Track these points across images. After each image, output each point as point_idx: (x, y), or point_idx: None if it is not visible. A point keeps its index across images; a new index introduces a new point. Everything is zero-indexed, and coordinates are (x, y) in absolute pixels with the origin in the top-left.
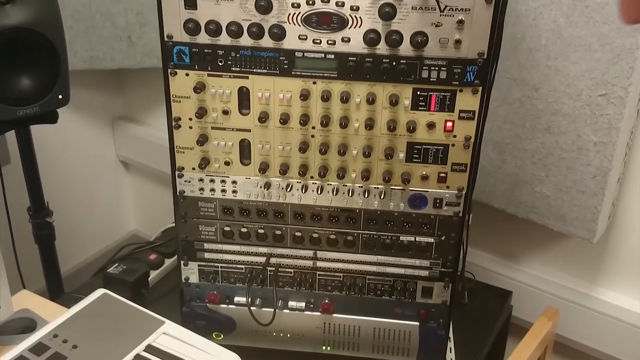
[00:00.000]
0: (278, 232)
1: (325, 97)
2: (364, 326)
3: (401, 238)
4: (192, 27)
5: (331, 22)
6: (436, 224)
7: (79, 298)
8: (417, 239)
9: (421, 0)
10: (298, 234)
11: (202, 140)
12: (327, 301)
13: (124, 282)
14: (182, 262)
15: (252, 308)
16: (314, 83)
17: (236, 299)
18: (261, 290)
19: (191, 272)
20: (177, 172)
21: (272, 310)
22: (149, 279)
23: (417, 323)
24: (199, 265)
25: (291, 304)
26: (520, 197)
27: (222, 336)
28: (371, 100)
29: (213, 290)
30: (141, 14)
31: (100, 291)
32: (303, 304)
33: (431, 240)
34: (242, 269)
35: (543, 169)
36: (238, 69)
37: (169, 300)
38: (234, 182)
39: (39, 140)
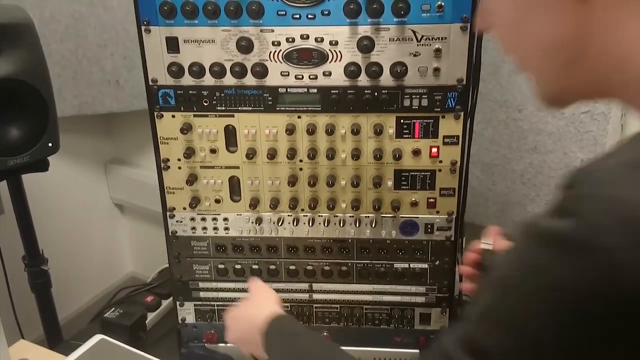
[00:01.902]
0: (272, 266)
1: (311, 130)
2: (364, 357)
3: (395, 265)
4: (175, 70)
5: (312, 57)
6: (429, 250)
7: (77, 345)
8: (411, 265)
9: (398, 31)
10: (292, 267)
11: (192, 179)
12: (325, 333)
13: (121, 326)
14: (177, 303)
15: None
16: (299, 117)
17: None
18: None
19: (187, 313)
20: (168, 213)
21: None
22: (146, 321)
23: (417, 351)
24: (195, 305)
25: None
26: (513, 217)
27: None
28: (356, 130)
29: (210, 330)
30: (128, 57)
31: (98, 337)
32: None
33: (425, 265)
34: None
35: (533, 188)
36: (223, 108)
37: (168, 342)
38: (226, 219)
39: (31, 188)
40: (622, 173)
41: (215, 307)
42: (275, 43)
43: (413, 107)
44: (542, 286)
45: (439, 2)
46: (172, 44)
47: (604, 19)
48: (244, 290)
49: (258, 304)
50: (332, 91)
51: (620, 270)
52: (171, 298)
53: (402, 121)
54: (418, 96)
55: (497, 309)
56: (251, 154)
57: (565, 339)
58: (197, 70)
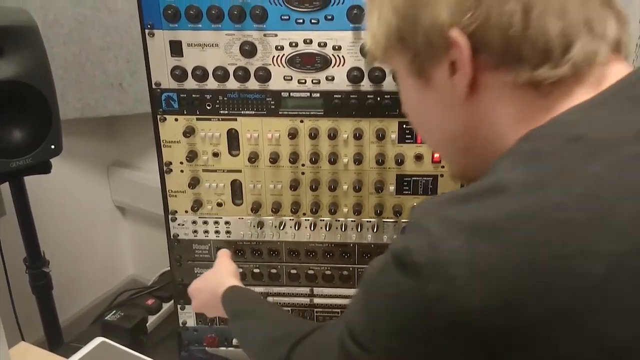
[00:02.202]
0: (273, 270)
1: (313, 135)
2: None
3: None
4: (179, 73)
5: (315, 62)
6: None
7: (78, 347)
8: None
9: None
10: (293, 271)
11: (194, 183)
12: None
13: (122, 329)
14: (178, 306)
15: None
16: (301, 121)
17: (234, 340)
18: None
19: (188, 316)
20: (170, 216)
21: None
22: (147, 324)
23: None
24: None
25: None
26: None
27: None
28: (358, 135)
29: (211, 333)
30: (131, 61)
31: (99, 339)
32: None
33: None
34: None
35: None
36: (226, 112)
37: (168, 345)
38: (227, 222)
39: (33, 190)
40: (434, 207)
41: None
42: (279, 47)
43: None
44: (381, 285)
45: None
46: (176, 48)
47: (484, 115)
48: None
49: (218, 277)
50: (334, 96)
51: (424, 285)
52: (172, 301)
53: (404, 126)
54: None
55: (361, 307)
56: (253, 158)
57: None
58: (201, 74)
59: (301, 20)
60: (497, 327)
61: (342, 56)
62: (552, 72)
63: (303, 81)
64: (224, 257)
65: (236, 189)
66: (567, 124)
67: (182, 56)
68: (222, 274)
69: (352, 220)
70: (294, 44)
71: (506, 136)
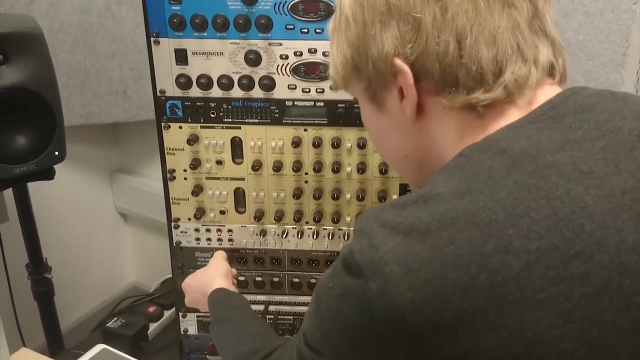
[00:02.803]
0: (276, 279)
1: (317, 144)
2: None
3: None
4: (184, 81)
5: (319, 71)
6: None
7: (78, 354)
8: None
9: None
10: (296, 280)
11: (197, 190)
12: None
13: (123, 336)
14: (180, 313)
15: None
16: (305, 130)
17: None
18: None
19: (190, 324)
20: (173, 223)
21: None
22: (148, 331)
23: None
24: (197, 316)
25: None
26: None
27: None
28: (362, 144)
29: (212, 341)
30: (136, 68)
31: (100, 347)
32: None
33: None
34: None
35: None
36: (230, 120)
37: (169, 353)
38: (230, 230)
39: (36, 196)
40: (376, 213)
41: None
42: (283, 56)
43: None
44: (330, 288)
45: None
46: (181, 56)
47: (430, 136)
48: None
49: (208, 276)
50: (338, 105)
51: (365, 283)
52: (173, 309)
53: None
54: None
55: (313, 312)
56: (257, 166)
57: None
58: (205, 82)
59: (306, 30)
60: (428, 320)
61: None
62: (486, 96)
63: (307, 90)
64: (218, 257)
65: (239, 197)
66: (496, 141)
67: (187, 64)
68: (212, 274)
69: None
70: (298, 53)
71: (449, 154)
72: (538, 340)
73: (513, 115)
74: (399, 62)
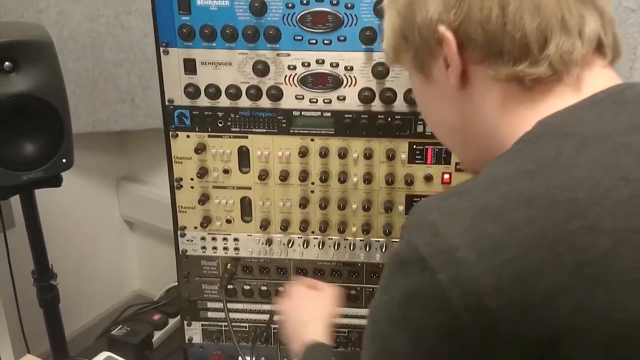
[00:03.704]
0: (281, 288)
1: (324, 154)
2: None
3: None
4: (192, 91)
5: (327, 82)
6: None
7: None
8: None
9: None
10: None
11: (204, 199)
12: (333, 358)
13: (127, 344)
14: (185, 322)
15: None
16: (312, 140)
17: (240, 358)
18: (265, 348)
19: (194, 332)
20: (179, 232)
21: None
22: (153, 339)
23: None
24: (202, 325)
25: None
26: None
27: None
28: (368, 155)
29: (217, 350)
30: (143, 77)
31: (105, 354)
32: None
33: None
34: (245, 327)
35: None
36: (237, 129)
37: None
38: (236, 239)
39: (43, 203)
40: (435, 202)
41: (223, 328)
42: (291, 67)
43: (426, 133)
44: (388, 301)
45: None
46: (190, 66)
47: (476, 106)
48: (252, 312)
49: (312, 316)
50: (345, 115)
51: (434, 275)
52: (178, 317)
53: (414, 147)
54: None
55: (370, 342)
56: (263, 176)
57: (415, 347)
58: (213, 91)
59: (314, 41)
60: (510, 303)
61: (354, 76)
62: (532, 70)
63: (314, 100)
64: (328, 291)
65: (246, 206)
66: (557, 125)
67: (196, 74)
68: (314, 315)
69: (360, 240)
70: (306, 64)
71: (496, 128)
72: (630, 322)
73: (563, 93)
74: (442, 28)
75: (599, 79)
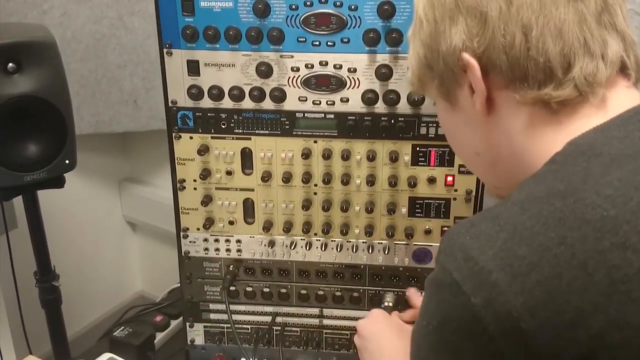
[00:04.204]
0: (283, 290)
1: (327, 155)
2: None
3: (407, 293)
4: (195, 92)
5: (330, 83)
6: None
7: None
8: (424, 294)
9: None
10: (303, 291)
11: (207, 200)
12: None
13: (129, 345)
14: (187, 323)
15: None
16: (315, 142)
17: None
18: (268, 350)
19: (197, 334)
20: (182, 233)
21: None
22: (155, 341)
23: None
24: (204, 327)
25: None
26: None
27: None
28: (371, 157)
29: (219, 352)
30: (146, 78)
31: (106, 355)
32: None
33: None
34: (248, 329)
35: None
36: (241, 131)
37: None
38: (239, 241)
39: (45, 203)
40: (466, 226)
41: (225, 330)
42: (295, 69)
43: (429, 135)
44: (427, 322)
45: None
46: (193, 67)
47: (502, 130)
48: (254, 313)
49: (388, 349)
50: (349, 117)
51: (468, 299)
52: (180, 318)
53: (418, 149)
54: (435, 124)
55: (412, 351)
56: (266, 177)
57: None
58: (217, 93)
59: (317, 43)
60: (544, 324)
61: (357, 78)
62: (557, 92)
63: (318, 102)
64: (394, 320)
65: (248, 208)
66: (586, 145)
67: (199, 75)
68: (396, 351)
69: (363, 242)
70: (309, 66)
71: (523, 151)
72: None
73: (589, 113)
74: (466, 55)
75: (623, 98)
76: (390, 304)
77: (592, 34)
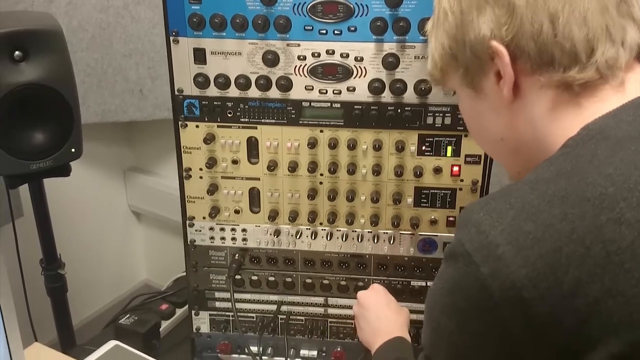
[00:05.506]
0: (288, 279)
1: (333, 145)
2: None
3: (412, 283)
4: (201, 81)
5: (336, 72)
6: None
7: (90, 350)
8: (429, 283)
9: (424, 49)
10: (309, 280)
11: (212, 189)
12: (339, 349)
13: (135, 333)
14: (193, 312)
15: (263, 357)
16: (321, 131)
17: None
18: (273, 339)
19: (202, 322)
20: (187, 222)
21: (284, 359)
22: (160, 329)
23: None
24: (210, 315)
25: (303, 352)
26: None
27: None
28: (378, 146)
29: (224, 340)
30: (152, 68)
31: (112, 343)
32: (315, 353)
33: None
34: (253, 317)
35: None
36: (247, 120)
37: (181, 351)
38: (244, 230)
39: (51, 192)
40: (481, 203)
41: (230, 318)
42: (301, 57)
43: (436, 125)
44: (440, 289)
45: None
46: (200, 55)
47: (526, 116)
48: (260, 302)
49: (387, 320)
50: (355, 107)
51: (477, 269)
52: (185, 307)
53: (424, 139)
54: (441, 114)
55: (427, 322)
56: (272, 166)
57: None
58: (223, 81)
59: (324, 31)
60: (545, 294)
61: (364, 67)
62: (580, 75)
63: (324, 91)
64: (385, 296)
65: (254, 197)
66: (597, 130)
67: (205, 64)
68: (391, 322)
69: (368, 231)
70: (316, 54)
71: (544, 134)
72: None
73: (608, 96)
74: (495, 43)
75: (636, 78)
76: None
77: (614, 22)
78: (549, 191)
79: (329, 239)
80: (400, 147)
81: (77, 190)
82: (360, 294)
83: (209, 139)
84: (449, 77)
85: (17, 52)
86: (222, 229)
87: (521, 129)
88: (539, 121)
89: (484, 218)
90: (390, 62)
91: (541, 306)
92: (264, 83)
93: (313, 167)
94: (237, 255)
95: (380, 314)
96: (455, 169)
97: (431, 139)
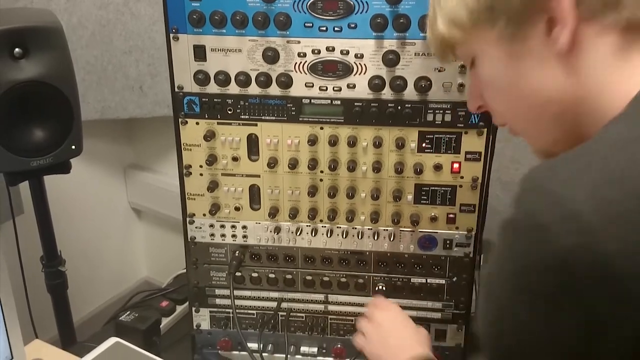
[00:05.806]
0: (289, 276)
1: (333, 142)
2: None
3: (412, 280)
4: (202, 77)
5: (337, 69)
6: (447, 265)
7: (91, 347)
8: (428, 280)
9: (424, 46)
10: (309, 277)
11: (213, 186)
12: (339, 346)
13: (135, 330)
14: (193, 308)
15: (263, 354)
16: (321, 128)
17: (248, 345)
18: (273, 335)
19: (202, 319)
20: (188, 219)
21: (284, 356)
22: (160, 326)
23: None
24: (210, 312)
25: (303, 349)
26: None
27: None
28: (378, 143)
29: (225, 337)
30: (152, 64)
31: (113, 340)
32: (315, 349)
33: (442, 281)
34: (253, 314)
35: None
36: (247, 117)
37: (181, 348)
38: (244, 227)
39: (51, 189)
40: (553, 168)
41: (231, 315)
42: (301, 54)
43: (436, 122)
44: (506, 268)
45: None
46: (200, 52)
47: (582, 69)
48: (260, 299)
49: (403, 339)
50: (355, 104)
51: (557, 244)
52: (185, 304)
53: (424, 136)
54: (441, 111)
55: (489, 317)
56: (273, 163)
57: (541, 315)
58: (223, 78)
59: (324, 28)
60: (638, 270)
61: (364, 64)
62: None
63: (324, 88)
64: (398, 312)
65: (254, 194)
66: None
67: (206, 61)
68: (411, 340)
69: (368, 228)
70: (316, 51)
71: (605, 85)
72: None
73: None
74: None
75: None
76: (384, 288)
77: None
78: (636, 154)
79: (329, 236)
80: (400, 144)
81: (77, 188)
82: (380, 315)
83: (209, 136)
84: (473, 39)
85: (17, 49)
86: (223, 226)
87: (575, 83)
88: (599, 70)
89: (559, 187)
90: (391, 59)
91: (636, 286)
92: (264, 80)
93: (313, 164)
94: (237, 252)
95: (404, 335)
96: (456, 166)
97: (431, 136)
